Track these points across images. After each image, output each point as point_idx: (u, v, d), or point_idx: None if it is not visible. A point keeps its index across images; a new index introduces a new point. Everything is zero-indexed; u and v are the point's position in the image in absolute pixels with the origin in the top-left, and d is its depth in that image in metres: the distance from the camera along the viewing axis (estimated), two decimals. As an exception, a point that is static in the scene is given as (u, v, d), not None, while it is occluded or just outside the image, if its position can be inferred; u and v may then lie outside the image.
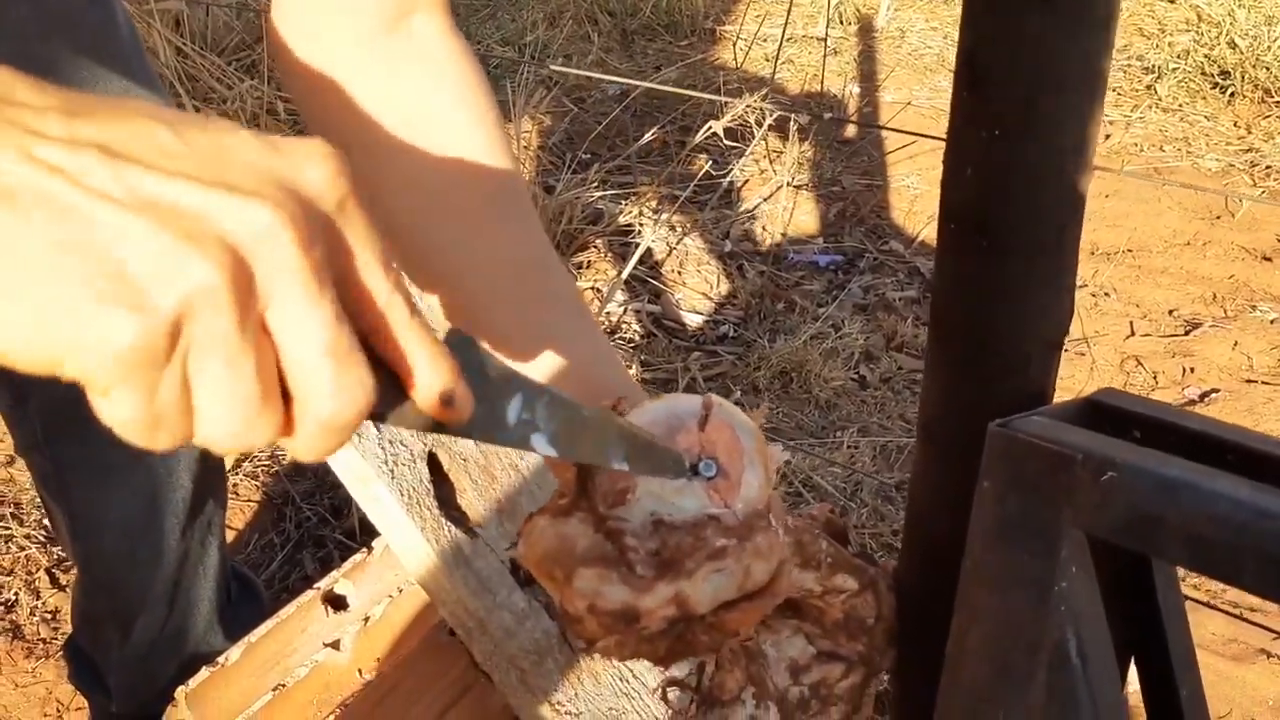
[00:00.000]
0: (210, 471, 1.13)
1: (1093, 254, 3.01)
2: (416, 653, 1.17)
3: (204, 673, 1.08)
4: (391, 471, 0.99)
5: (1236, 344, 2.57)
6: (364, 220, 0.39)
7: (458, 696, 1.14)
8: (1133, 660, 0.86)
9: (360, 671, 1.16)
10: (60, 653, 1.32)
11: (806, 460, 1.95)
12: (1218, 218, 3.21)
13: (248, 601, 1.24)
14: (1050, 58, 0.79)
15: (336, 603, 1.20)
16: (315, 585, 1.20)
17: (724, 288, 2.62)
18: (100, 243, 0.34)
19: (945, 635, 0.86)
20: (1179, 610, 0.86)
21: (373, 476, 0.96)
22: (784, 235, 2.88)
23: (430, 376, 0.42)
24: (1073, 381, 2.41)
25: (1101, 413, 0.88)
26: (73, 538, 1.13)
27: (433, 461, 1.08)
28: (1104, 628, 0.79)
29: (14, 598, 1.49)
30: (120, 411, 0.37)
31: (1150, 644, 0.87)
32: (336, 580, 1.21)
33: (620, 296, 2.52)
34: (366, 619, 1.19)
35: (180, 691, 1.07)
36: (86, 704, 1.24)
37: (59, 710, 1.35)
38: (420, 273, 0.69)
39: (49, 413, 1.05)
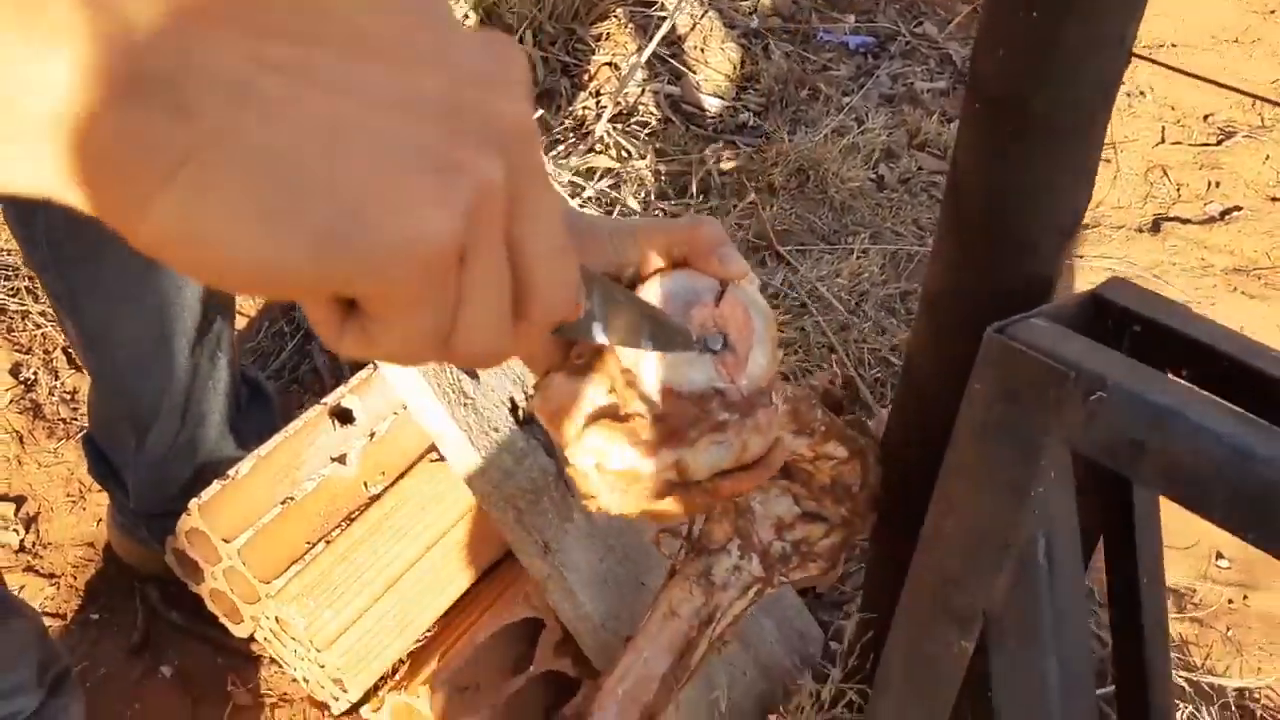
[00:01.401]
0: (218, 292, 1.14)
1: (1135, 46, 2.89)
2: (420, 471, 1.21)
3: (215, 486, 1.13)
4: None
5: (1268, 158, 2.50)
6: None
7: (459, 516, 1.20)
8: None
9: (366, 485, 1.21)
10: (80, 435, 1.38)
11: (814, 270, 1.95)
12: (1271, 12, 3.05)
13: (258, 407, 1.28)
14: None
15: (344, 417, 1.24)
16: (323, 400, 1.23)
17: (748, 70, 2.53)
18: (390, 136, 0.31)
19: (925, 507, 0.89)
20: (1154, 529, 0.89)
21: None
22: (815, 11, 2.76)
23: (564, 294, 0.42)
24: (1096, 191, 2.37)
25: (1105, 310, 0.87)
26: (86, 351, 1.15)
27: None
28: (1075, 537, 0.82)
29: (33, 377, 1.53)
30: (411, 326, 0.33)
31: (1121, 558, 0.90)
32: (344, 395, 1.24)
33: (639, 75, 2.44)
34: (372, 434, 1.23)
35: (194, 504, 1.13)
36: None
37: (80, 491, 1.42)
38: None
39: (58, 236, 1.06)
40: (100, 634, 1.30)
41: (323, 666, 1.13)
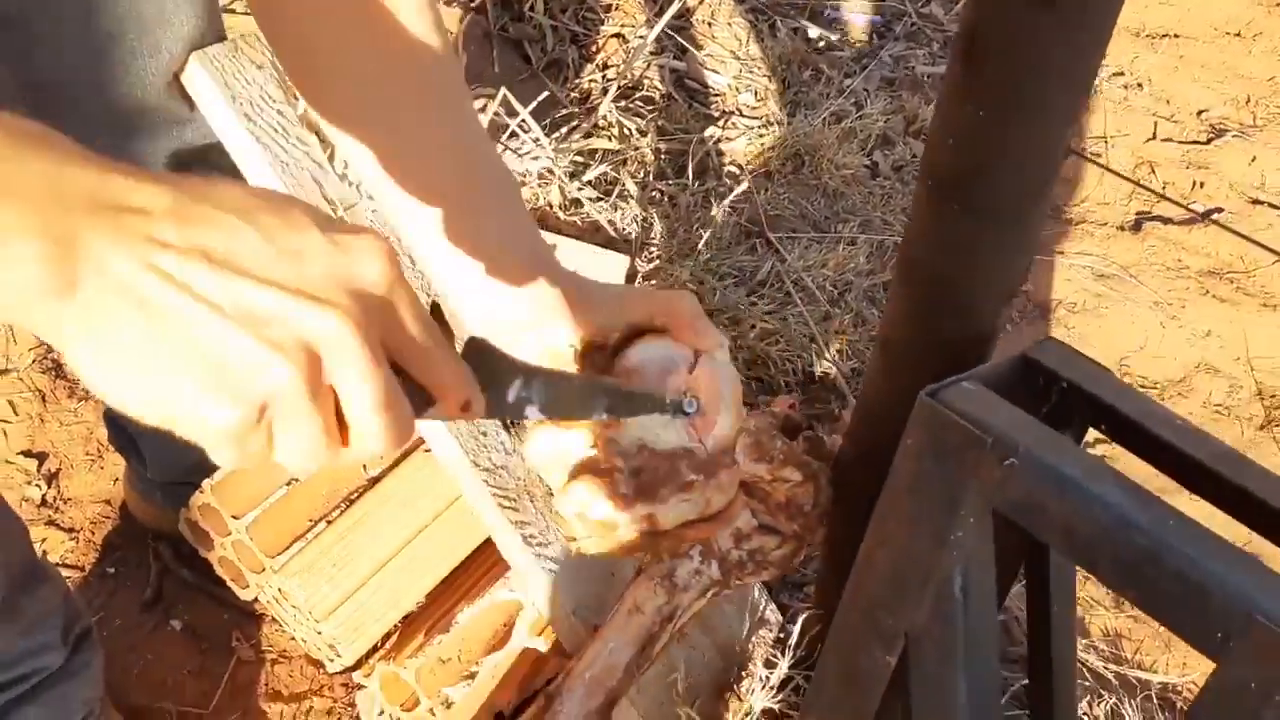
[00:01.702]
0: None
1: (1137, 36, 2.93)
2: (415, 459, 1.32)
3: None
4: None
5: (1255, 159, 2.57)
6: (408, 294, 0.51)
7: (448, 503, 1.30)
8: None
9: (365, 469, 1.31)
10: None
11: (801, 259, 2.03)
12: (1276, 4, 3.09)
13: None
14: (1045, 51, 0.83)
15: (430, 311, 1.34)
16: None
17: (753, 48, 2.59)
18: (209, 345, 0.45)
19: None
20: (1068, 583, 0.99)
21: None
22: (823, -13, 2.80)
23: (457, 393, 0.57)
24: (1084, 187, 2.44)
25: (1035, 370, 0.97)
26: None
27: (434, 310, 1.18)
28: (989, 574, 0.93)
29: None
30: (220, 458, 0.49)
31: (1036, 590, 1.01)
32: (347, 384, 1.34)
33: (648, 45, 2.50)
34: (372, 422, 1.33)
35: (207, 483, 1.23)
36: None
37: (99, 450, 1.53)
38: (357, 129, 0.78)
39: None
40: (116, 587, 1.41)
41: (320, 634, 1.25)
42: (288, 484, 1.26)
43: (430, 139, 0.78)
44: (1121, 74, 2.78)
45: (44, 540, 1.43)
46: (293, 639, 1.33)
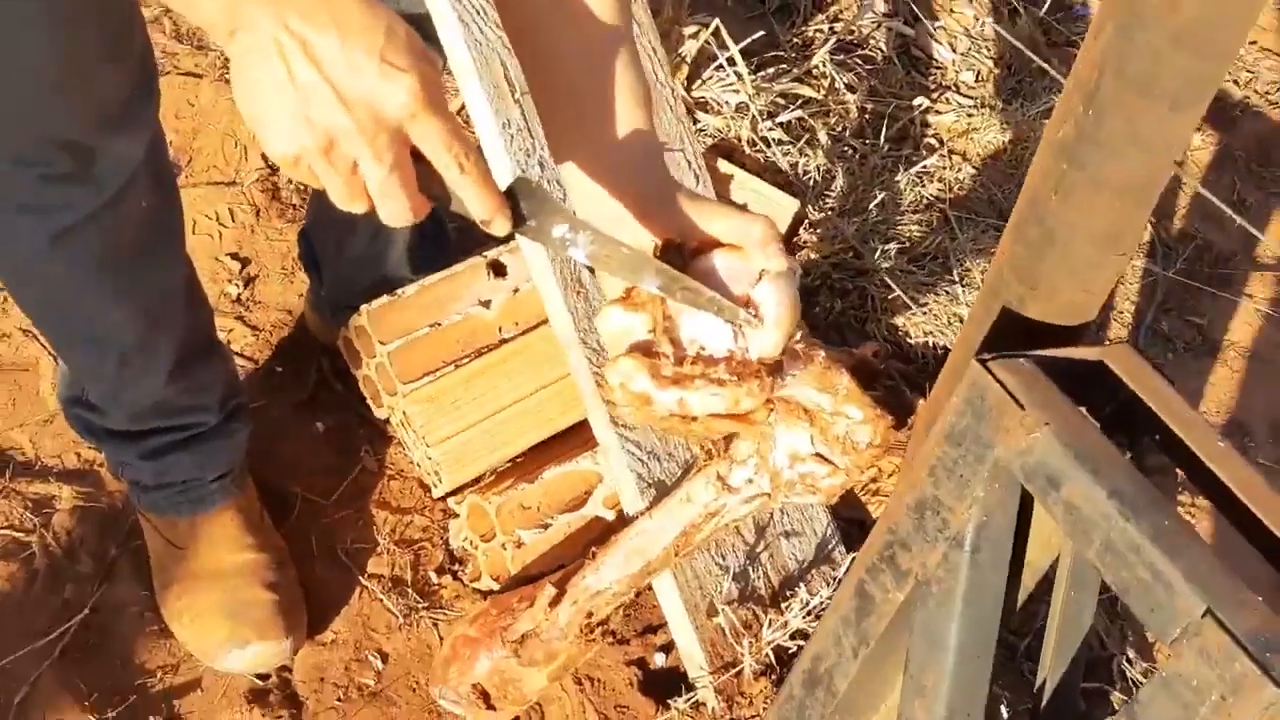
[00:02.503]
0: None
1: None
2: (544, 331, 1.46)
3: (384, 299, 1.41)
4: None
5: None
6: (434, 119, 0.69)
7: (560, 376, 1.44)
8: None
9: (500, 329, 1.47)
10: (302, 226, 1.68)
11: (972, 242, 2.06)
12: None
13: (437, 243, 1.54)
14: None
15: (498, 269, 1.49)
16: (484, 253, 1.49)
17: (988, 28, 2.58)
18: (305, 97, 0.66)
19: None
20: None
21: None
22: (1080, -18, 2.75)
23: (477, 208, 0.75)
24: (1293, 233, 2.34)
25: (1102, 374, 1.02)
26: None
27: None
28: (1004, 537, 1.00)
29: (281, 163, 1.86)
30: (326, 184, 0.71)
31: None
32: (502, 252, 1.49)
33: (880, 7, 2.53)
34: (516, 290, 1.48)
35: (364, 308, 1.41)
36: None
37: (293, 268, 1.74)
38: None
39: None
40: (280, 384, 1.62)
41: (430, 458, 1.42)
42: (431, 325, 1.42)
43: (562, 37, 0.89)
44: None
45: (230, 330, 1.65)
46: (411, 461, 1.51)
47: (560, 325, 1.25)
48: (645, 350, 0.92)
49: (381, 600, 1.40)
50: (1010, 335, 1.08)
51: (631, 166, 0.90)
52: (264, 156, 1.87)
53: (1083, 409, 1.06)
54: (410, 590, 1.41)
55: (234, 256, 1.74)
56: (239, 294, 1.70)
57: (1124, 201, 0.94)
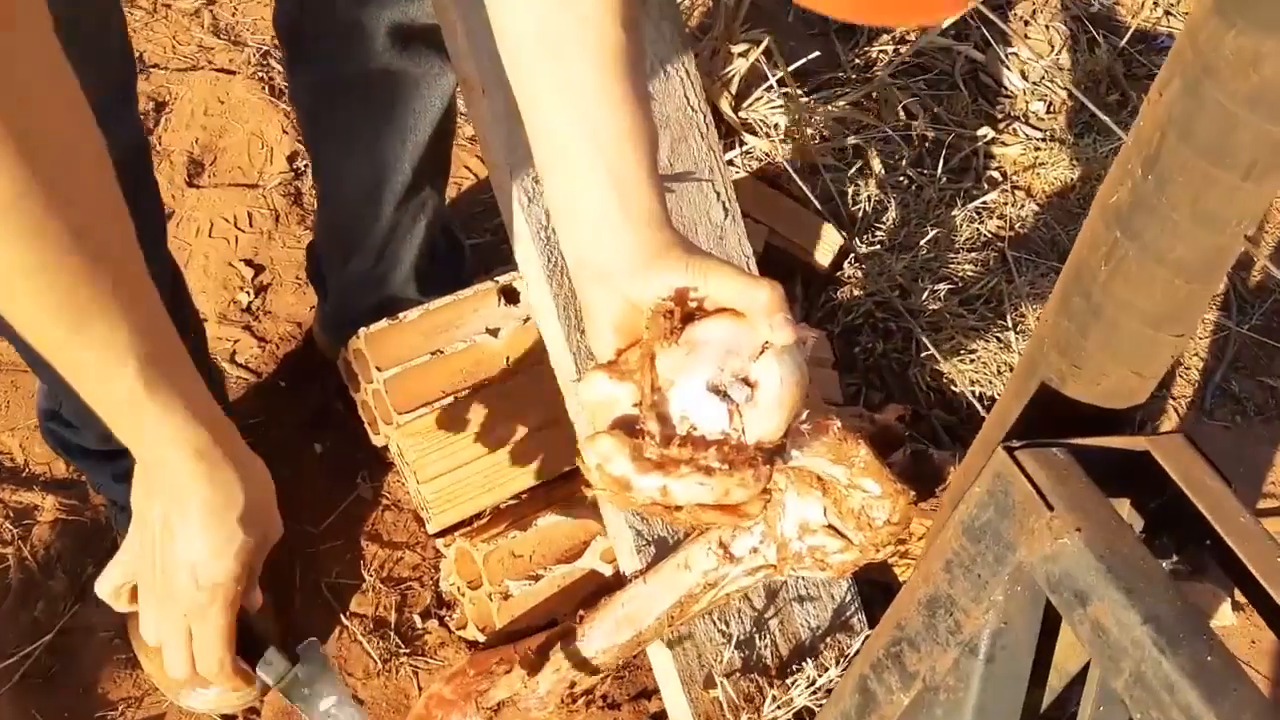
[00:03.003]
0: (434, 163, 1.31)
1: None
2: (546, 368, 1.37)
3: (384, 322, 1.33)
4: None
5: None
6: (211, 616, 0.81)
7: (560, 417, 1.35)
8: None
9: (508, 359, 1.38)
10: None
11: (1030, 286, 1.93)
12: None
13: (450, 263, 1.46)
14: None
15: (510, 296, 1.40)
16: (496, 278, 1.40)
17: (1064, 57, 2.44)
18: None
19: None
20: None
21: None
22: (1168, 12, 2.60)
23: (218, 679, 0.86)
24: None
25: (1147, 464, 0.90)
26: (317, 178, 1.37)
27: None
28: (1023, 648, 0.88)
29: (303, 167, 1.79)
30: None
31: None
32: (516, 277, 1.40)
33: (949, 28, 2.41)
34: (526, 319, 1.39)
35: (363, 331, 1.33)
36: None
37: (307, 278, 1.67)
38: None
39: (313, 84, 1.26)
40: (282, 400, 1.55)
41: (420, 494, 1.33)
42: (432, 353, 1.34)
43: (572, 81, 0.79)
44: None
45: (236, 341, 1.59)
46: (408, 492, 1.43)
47: (562, 367, 1.16)
48: (628, 427, 0.82)
49: (361, 643, 1.32)
50: (1049, 414, 0.96)
51: (626, 218, 0.80)
52: (289, 159, 1.81)
53: (1126, 501, 0.95)
54: (392, 633, 1.33)
55: (248, 263, 1.68)
56: (249, 302, 1.64)
57: (1184, 279, 0.82)
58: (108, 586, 0.84)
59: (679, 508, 0.85)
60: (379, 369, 1.33)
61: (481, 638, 1.29)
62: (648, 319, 0.83)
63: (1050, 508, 0.81)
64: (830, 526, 1.11)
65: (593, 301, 0.85)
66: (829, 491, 1.10)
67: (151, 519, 0.77)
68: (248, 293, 1.64)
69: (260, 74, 1.93)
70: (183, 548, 0.77)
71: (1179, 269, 0.82)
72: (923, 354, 1.78)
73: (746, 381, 0.83)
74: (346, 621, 1.34)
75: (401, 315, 1.34)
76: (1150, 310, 0.85)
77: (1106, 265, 0.84)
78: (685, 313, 0.83)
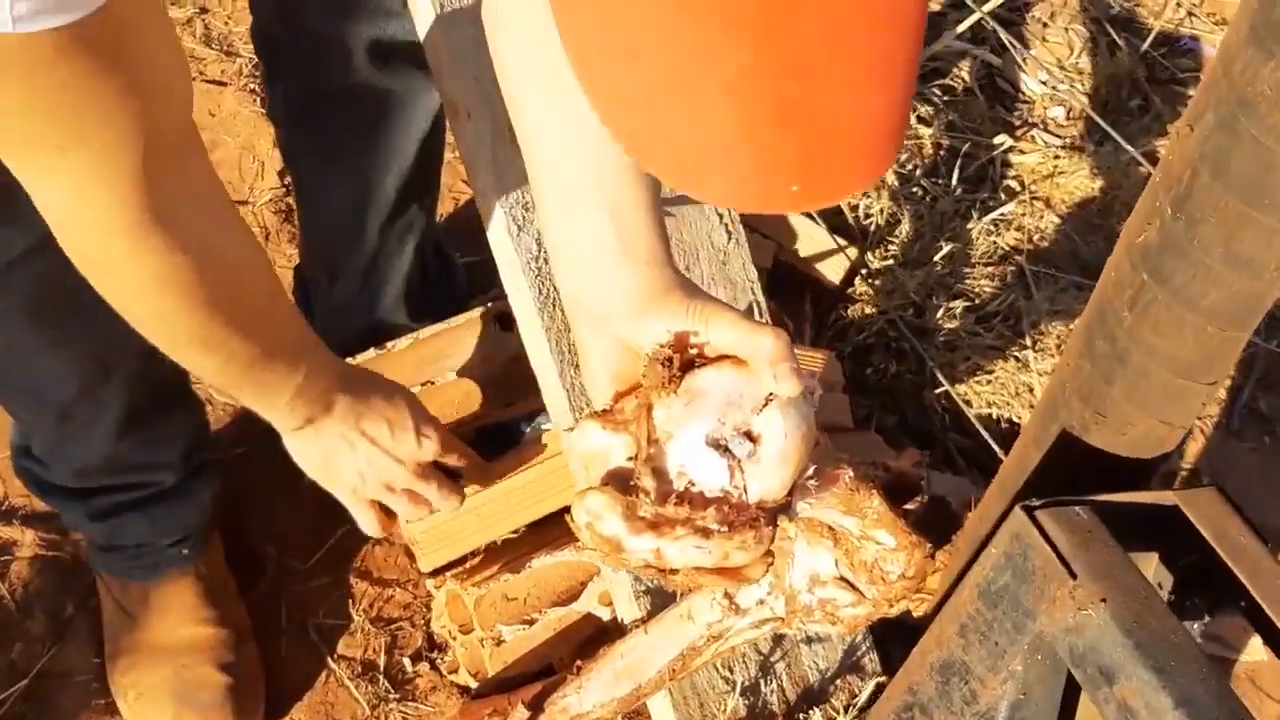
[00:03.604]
0: (421, 182, 1.26)
1: None
2: (547, 396, 1.31)
3: (371, 353, 1.27)
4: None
5: None
6: (446, 450, 1.08)
7: (556, 453, 1.29)
8: None
9: (501, 392, 1.32)
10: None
11: (1049, 303, 1.86)
12: None
13: (442, 285, 1.40)
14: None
15: (504, 322, 1.34)
16: (488, 304, 1.34)
17: (1084, 61, 2.37)
18: (367, 462, 1.03)
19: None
20: None
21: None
22: (1191, 14, 2.52)
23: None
24: None
25: (1178, 520, 0.83)
26: (299, 201, 1.32)
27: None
28: (1046, 716, 0.82)
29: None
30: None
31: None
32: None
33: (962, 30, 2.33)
34: (522, 347, 1.33)
35: (348, 362, 1.27)
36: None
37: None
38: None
39: (291, 99, 1.20)
40: (266, 433, 1.49)
41: (409, 533, 1.28)
42: (423, 384, 1.28)
43: (571, 117, 0.74)
44: None
45: (225, 366, 1.53)
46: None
47: (554, 405, 1.10)
48: (622, 482, 0.76)
49: (349, 687, 1.26)
50: (1070, 463, 0.90)
51: (624, 255, 0.74)
52: (280, 175, 1.75)
53: (1155, 555, 0.88)
54: (381, 677, 1.27)
55: (237, 284, 1.62)
56: (237, 327, 1.58)
57: (1217, 326, 0.76)
58: (367, 525, 1.08)
59: (675, 570, 0.80)
60: (367, 401, 1.27)
61: (474, 684, 1.24)
62: (645, 366, 0.77)
63: (1073, 575, 0.74)
64: (842, 578, 1.05)
65: (587, 343, 0.80)
66: (840, 542, 1.04)
67: (350, 444, 1.00)
68: (236, 316, 1.59)
69: (251, 85, 1.87)
70: (390, 433, 1.01)
71: (1211, 316, 0.75)
72: (937, 375, 1.72)
73: (749, 435, 0.78)
74: (334, 665, 1.29)
75: (390, 345, 1.28)
76: (1181, 358, 0.78)
77: (1132, 310, 0.78)
78: (685, 360, 0.78)
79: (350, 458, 1.01)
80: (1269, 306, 0.77)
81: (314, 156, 1.24)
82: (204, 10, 2.00)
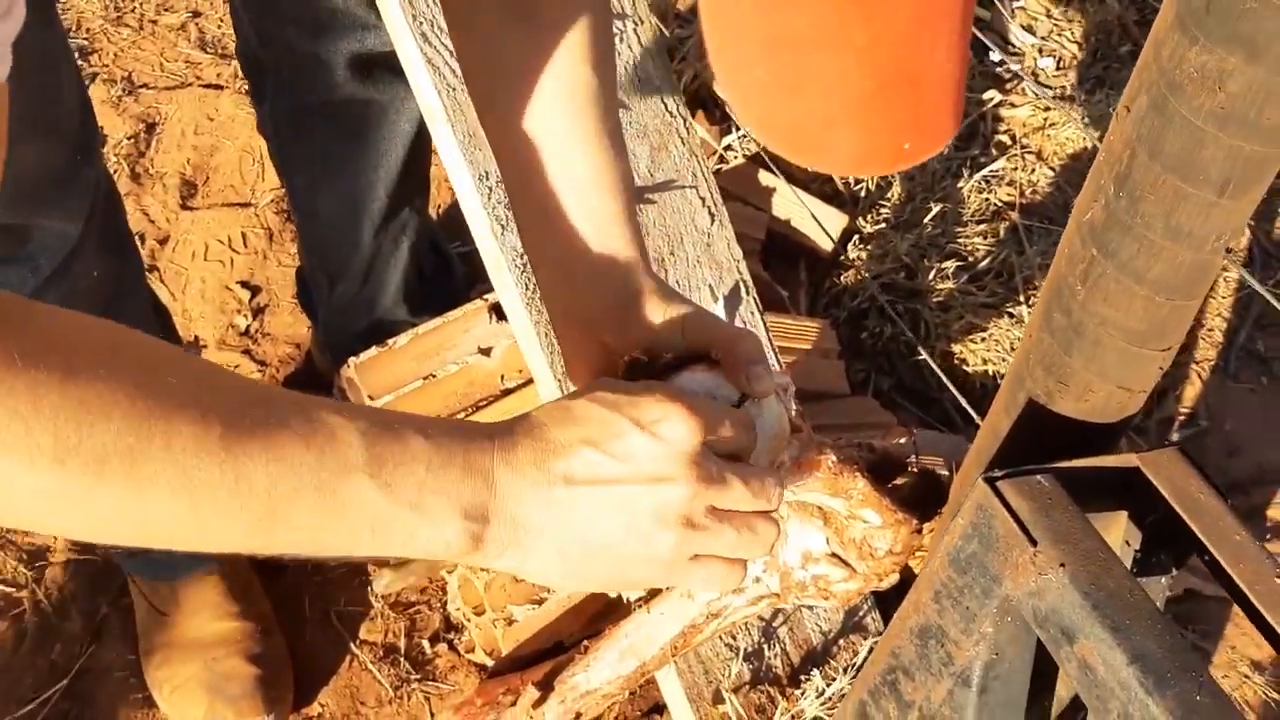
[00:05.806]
0: (411, 184, 1.29)
1: None
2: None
3: (373, 350, 1.32)
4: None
5: None
6: (717, 427, 0.69)
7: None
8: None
9: (502, 378, 1.36)
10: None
11: (1041, 257, 1.88)
12: None
13: (441, 281, 1.44)
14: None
15: (501, 312, 1.39)
16: (485, 296, 1.39)
17: (1072, 9, 2.37)
18: (614, 532, 0.64)
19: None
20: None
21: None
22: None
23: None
24: None
25: (1139, 481, 0.87)
26: (295, 209, 1.36)
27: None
28: (1017, 678, 0.86)
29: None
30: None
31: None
32: (505, 294, 1.38)
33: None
34: (519, 336, 1.37)
35: (353, 360, 1.32)
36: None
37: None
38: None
39: (278, 116, 1.24)
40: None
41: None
42: (425, 378, 1.33)
43: (543, 127, 0.77)
44: None
45: (236, 366, 1.59)
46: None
47: (548, 396, 1.15)
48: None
49: (372, 671, 1.32)
50: (1038, 430, 0.94)
51: (601, 264, 0.78)
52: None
53: (1124, 514, 0.92)
54: (403, 660, 1.33)
55: (244, 284, 1.67)
56: (248, 325, 1.63)
57: (1164, 296, 0.79)
58: (715, 580, 0.76)
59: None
60: (371, 398, 1.32)
61: (490, 661, 1.29)
62: (623, 370, 0.81)
63: (1034, 542, 0.78)
64: (834, 555, 1.09)
65: (567, 347, 0.83)
66: (830, 521, 1.08)
67: (574, 504, 0.62)
68: (245, 316, 1.64)
69: (247, 87, 1.91)
70: (599, 453, 0.62)
71: (1159, 287, 0.79)
72: (933, 336, 1.75)
73: None
74: (357, 650, 1.35)
75: (391, 341, 1.33)
76: (1132, 328, 0.82)
77: (1084, 284, 0.81)
78: (663, 363, 0.81)
79: (600, 519, 0.62)
80: (1214, 274, 0.80)
81: (305, 169, 1.28)
82: (196, 14, 2.04)
